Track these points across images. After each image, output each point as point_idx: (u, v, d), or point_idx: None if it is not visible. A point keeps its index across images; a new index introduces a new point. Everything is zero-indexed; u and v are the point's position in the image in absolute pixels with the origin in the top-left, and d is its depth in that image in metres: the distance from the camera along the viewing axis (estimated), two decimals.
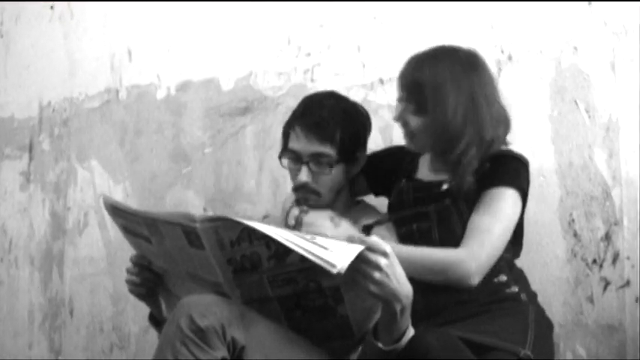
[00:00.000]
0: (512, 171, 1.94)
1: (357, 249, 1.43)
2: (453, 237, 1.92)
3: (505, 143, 2.02)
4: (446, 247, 1.89)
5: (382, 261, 1.46)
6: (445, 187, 1.95)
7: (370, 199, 2.27)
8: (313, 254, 1.41)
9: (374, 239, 1.48)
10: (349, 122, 2.06)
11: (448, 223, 1.94)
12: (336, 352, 1.70)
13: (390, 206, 2.10)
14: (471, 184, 1.91)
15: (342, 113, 2.06)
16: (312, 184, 2.03)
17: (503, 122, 2.01)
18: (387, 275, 1.46)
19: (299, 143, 2.03)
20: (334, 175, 2.05)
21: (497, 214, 1.89)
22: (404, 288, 1.50)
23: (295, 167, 2.06)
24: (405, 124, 2.00)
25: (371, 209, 2.17)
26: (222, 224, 1.51)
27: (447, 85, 1.94)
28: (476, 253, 1.84)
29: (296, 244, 1.43)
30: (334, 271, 1.39)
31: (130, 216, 1.71)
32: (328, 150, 2.02)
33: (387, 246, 1.48)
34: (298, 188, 2.05)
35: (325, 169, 2.03)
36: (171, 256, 1.71)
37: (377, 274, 1.46)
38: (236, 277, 1.60)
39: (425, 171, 2.08)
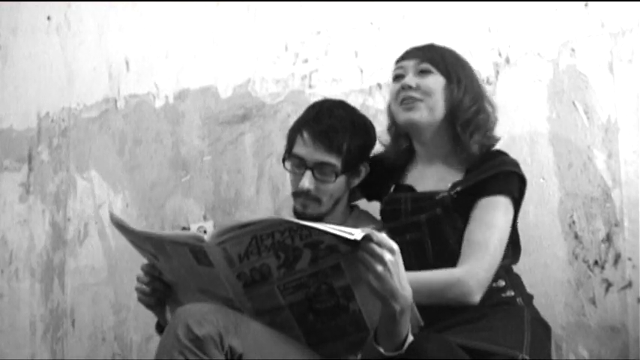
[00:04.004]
0: (503, 177, 1.93)
1: (370, 230, 1.47)
2: (446, 247, 1.92)
3: (495, 137, 2.04)
4: (440, 259, 1.89)
5: (387, 256, 1.47)
6: (440, 196, 1.95)
7: (362, 202, 2.26)
8: (334, 228, 1.45)
9: (383, 235, 1.49)
10: (357, 134, 2.05)
11: (440, 232, 1.93)
12: (353, 347, 1.69)
13: (383, 215, 2.09)
14: (477, 150, 1.97)
15: (351, 124, 2.05)
16: (313, 191, 2.02)
17: (495, 116, 2.07)
18: (389, 271, 1.47)
19: (305, 149, 2.02)
20: (336, 184, 2.04)
21: (491, 226, 1.88)
22: (404, 289, 1.50)
23: (299, 172, 2.05)
24: (414, 88, 1.99)
25: (365, 216, 2.16)
26: (229, 240, 1.52)
27: (464, 63, 2.07)
28: (474, 270, 1.83)
29: (318, 227, 1.47)
30: (352, 238, 1.43)
31: (134, 234, 1.71)
32: (334, 160, 2.01)
33: (394, 244, 1.49)
34: (299, 194, 2.04)
35: (329, 178, 2.02)
36: (179, 273, 1.71)
37: (380, 268, 1.46)
38: (247, 291, 1.61)
39: (416, 179, 2.07)
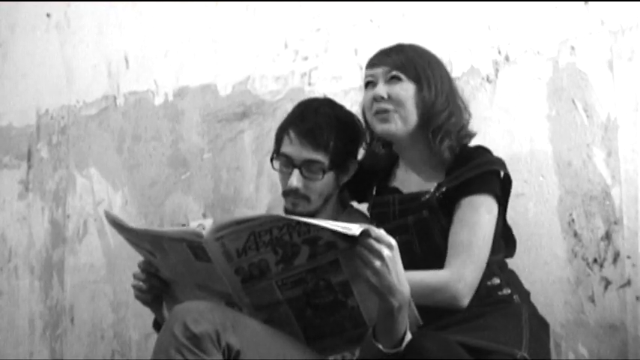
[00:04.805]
0: (483, 177, 1.93)
1: (368, 225, 1.48)
2: (434, 249, 1.93)
3: (470, 134, 2.05)
4: (428, 260, 1.90)
5: (385, 251, 1.48)
6: (425, 197, 1.96)
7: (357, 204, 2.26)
8: (332, 224, 1.46)
9: (381, 230, 1.50)
10: (343, 131, 2.06)
11: (428, 235, 1.94)
12: (352, 342, 1.70)
13: (372, 217, 2.09)
14: (449, 154, 1.97)
15: (337, 121, 2.06)
16: (302, 189, 2.03)
17: (467, 112, 2.08)
18: (387, 267, 1.47)
19: (292, 148, 2.03)
20: (325, 182, 2.05)
21: (474, 226, 1.89)
22: (402, 285, 1.51)
23: (287, 171, 2.06)
24: (386, 99, 1.99)
25: (358, 214, 2.17)
26: (227, 236, 1.52)
27: (433, 63, 2.04)
28: (460, 273, 1.84)
29: (316, 223, 1.48)
30: (350, 233, 1.44)
31: (131, 232, 1.71)
32: (321, 157, 2.02)
33: (392, 239, 1.50)
34: (288, 193, 2.06)
35: (316, 175, 2.03)
36: (176, 269, 1.71)
37: (377, 263, 1.47)
38: (245, 286, 1.61)
39: (402, 181, 2.08)
